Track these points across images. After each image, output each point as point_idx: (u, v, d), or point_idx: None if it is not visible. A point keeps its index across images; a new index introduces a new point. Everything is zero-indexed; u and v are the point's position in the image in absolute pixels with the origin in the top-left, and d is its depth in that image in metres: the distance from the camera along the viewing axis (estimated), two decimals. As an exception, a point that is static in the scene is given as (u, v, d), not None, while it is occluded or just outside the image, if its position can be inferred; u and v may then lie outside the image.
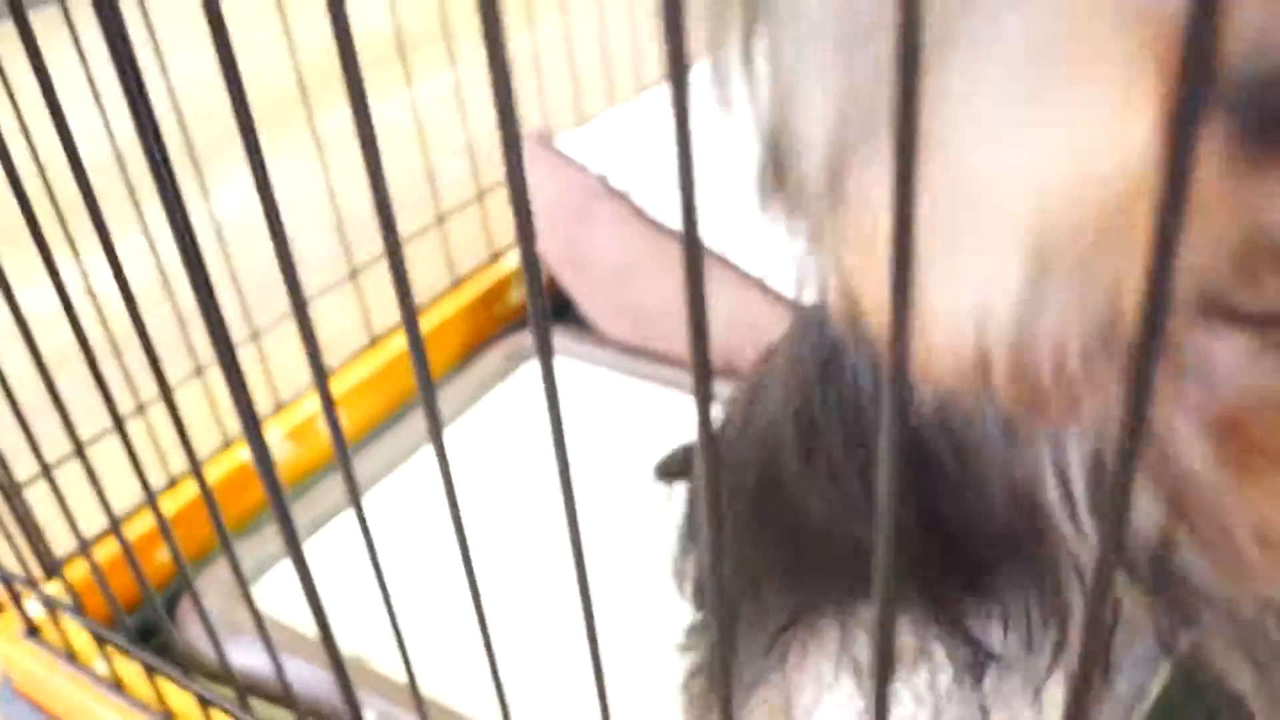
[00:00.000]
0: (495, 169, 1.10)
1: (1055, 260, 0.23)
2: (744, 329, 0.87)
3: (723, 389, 0.89)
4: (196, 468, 0.42)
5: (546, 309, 0.26)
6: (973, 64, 0.23)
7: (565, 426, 0.28)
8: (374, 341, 1.05)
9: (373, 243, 0.96)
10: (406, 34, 1.03)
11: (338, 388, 0.99)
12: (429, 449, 0.87)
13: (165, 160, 0.35)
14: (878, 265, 0.21)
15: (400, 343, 1.03)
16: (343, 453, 0.33)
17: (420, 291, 1.07)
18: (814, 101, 0.27)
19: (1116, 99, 0.21)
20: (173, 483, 0.89)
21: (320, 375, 0.36)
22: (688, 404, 0.77)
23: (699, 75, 0.23)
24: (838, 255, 0.29)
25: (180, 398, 0.45)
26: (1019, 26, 0.22)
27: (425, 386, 0.31)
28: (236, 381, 0.35)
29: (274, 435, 0.96)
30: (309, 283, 0.85)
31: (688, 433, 0.86)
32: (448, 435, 0.86)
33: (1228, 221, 0.22)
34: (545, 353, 0.26)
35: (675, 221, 0.71)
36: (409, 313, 0.29)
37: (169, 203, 0.34)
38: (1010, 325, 0.24)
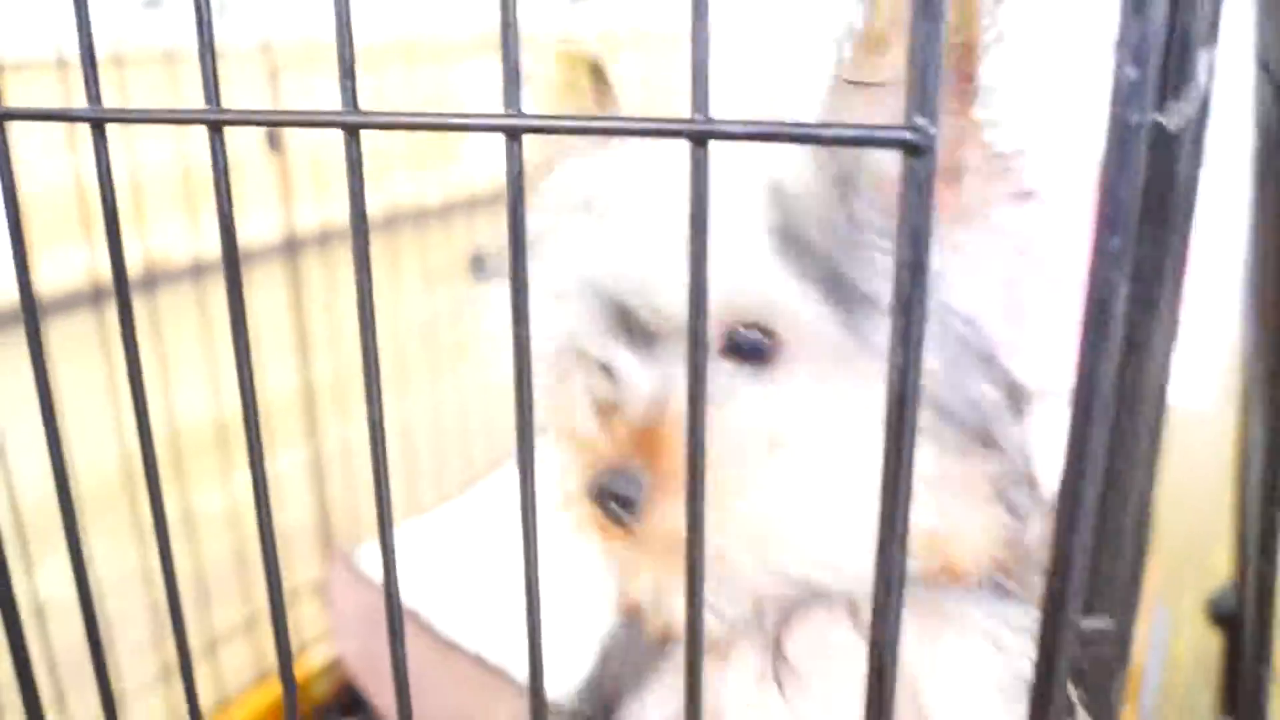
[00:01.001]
0: (303, 566, 1.22)
1: None
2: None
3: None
4: None
5: None
6: None
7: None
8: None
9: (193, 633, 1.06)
10: (229, 427, 1.03)
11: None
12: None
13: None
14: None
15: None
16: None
17: (229, 685, 1.12)
18: None
19: None
20: None
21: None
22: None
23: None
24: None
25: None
26: None
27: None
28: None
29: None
30: (126, 662, 0.87)
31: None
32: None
33: None
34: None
35: (461, 637, 0.98)
36: None
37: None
38: None
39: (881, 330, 0.46)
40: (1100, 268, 0.24)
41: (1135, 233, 0.24)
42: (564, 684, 0.63)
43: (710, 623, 0.50)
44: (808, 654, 0.52)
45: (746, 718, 0.53)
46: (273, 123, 0.38)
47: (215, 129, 0.36)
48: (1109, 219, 0.24)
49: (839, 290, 0.46)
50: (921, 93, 0.24)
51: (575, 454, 0.49)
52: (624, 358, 0.49)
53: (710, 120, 0.27)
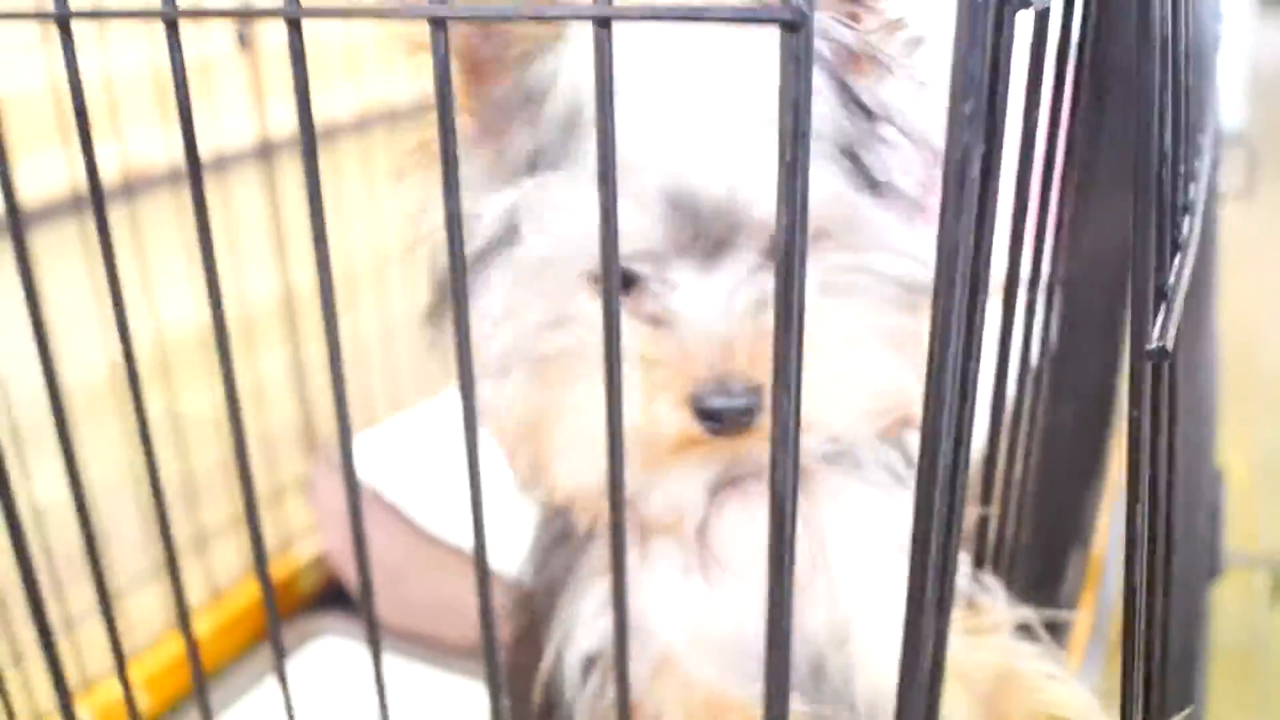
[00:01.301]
0: (290, 464, 1.27)
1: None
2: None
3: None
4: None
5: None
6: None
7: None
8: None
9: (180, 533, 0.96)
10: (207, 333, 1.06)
11: (147, 665, 1.06)
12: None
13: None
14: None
15: (206, 623, 1.12)
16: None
17: (222, 576, 1.17)
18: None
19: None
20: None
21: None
22: (447, 680, 1.06)
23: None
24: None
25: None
26: None
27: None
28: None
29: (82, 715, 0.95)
30: (121, 559, 0.98)
31: (446, 704, 1.01)
32: (248, 700, 1.05)
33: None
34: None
35: (441, 530, 1.06)
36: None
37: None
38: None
39: (893, 208, 0.51)
40: (955, 132, 0.27)
41: (988, 98, 0.27)
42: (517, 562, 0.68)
43: (630, 515, 0.53)
44: (729, 539, 0.56)
45: (670, 613, 0.56)
46: (223, 14, 0.40)
47: (170, 25, 0.39)
48: (962, 87, 0.27)
49: (862, 180, 0.50)
50: (798, -25, 0.27)
51: (658, 375, 0.49)
52: (690, 276, 0.50)
53: (610, 4, 0.29)
